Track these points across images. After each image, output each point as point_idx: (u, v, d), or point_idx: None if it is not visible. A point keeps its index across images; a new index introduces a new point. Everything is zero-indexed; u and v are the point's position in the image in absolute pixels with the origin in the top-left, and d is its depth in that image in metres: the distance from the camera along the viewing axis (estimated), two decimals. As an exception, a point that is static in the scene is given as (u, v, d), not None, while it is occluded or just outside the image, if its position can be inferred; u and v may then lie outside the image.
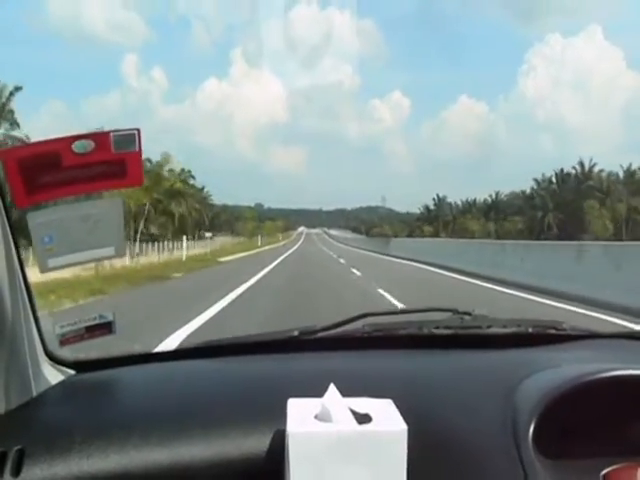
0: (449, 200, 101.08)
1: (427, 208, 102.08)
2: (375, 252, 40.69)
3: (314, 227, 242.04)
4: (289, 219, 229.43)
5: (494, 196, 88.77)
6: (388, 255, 33.09)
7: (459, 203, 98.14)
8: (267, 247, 58.39)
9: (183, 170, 50.00)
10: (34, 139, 1.01)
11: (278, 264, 24.45)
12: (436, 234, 78.58)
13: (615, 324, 7.29)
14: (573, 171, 69.67)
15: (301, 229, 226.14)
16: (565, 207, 65.32)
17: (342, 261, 27.26)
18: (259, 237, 76.47)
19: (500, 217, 78.17)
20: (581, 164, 68.88)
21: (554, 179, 71.86)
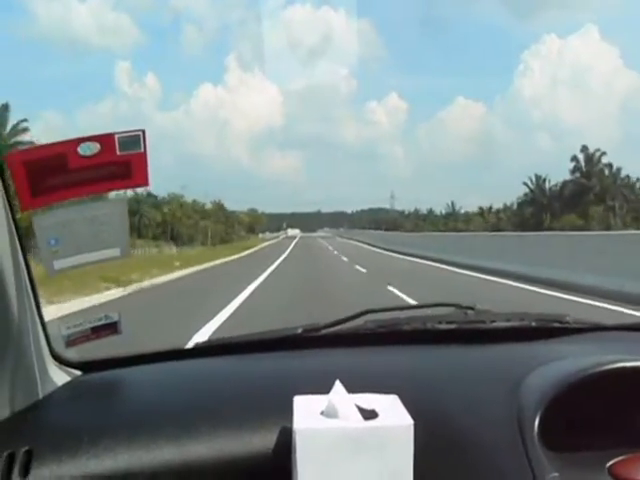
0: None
1: (531, 189, 60.27)
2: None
3: (314, 230, 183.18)
4: (284, 222, 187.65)
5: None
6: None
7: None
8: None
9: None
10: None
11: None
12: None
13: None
14: None
15: (294, 232, 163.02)
16: None
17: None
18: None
19: None
20: None
21: None
